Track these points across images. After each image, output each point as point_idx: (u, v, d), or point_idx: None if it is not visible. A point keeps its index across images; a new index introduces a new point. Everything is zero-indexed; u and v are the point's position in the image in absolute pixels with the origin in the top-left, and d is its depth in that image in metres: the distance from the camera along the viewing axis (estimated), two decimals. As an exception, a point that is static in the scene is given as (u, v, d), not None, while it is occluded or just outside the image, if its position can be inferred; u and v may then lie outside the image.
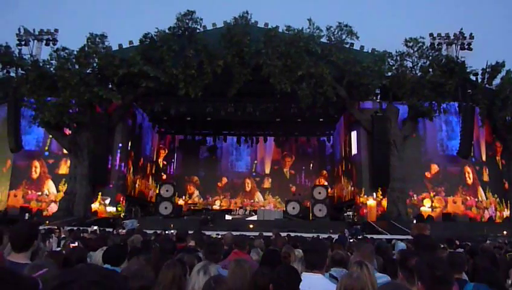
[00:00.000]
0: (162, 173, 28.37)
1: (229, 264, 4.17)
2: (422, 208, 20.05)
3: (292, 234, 11.24)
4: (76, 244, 5.96)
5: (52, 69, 19.38)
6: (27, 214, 17.79)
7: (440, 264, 2.18)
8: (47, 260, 2.83)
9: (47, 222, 15.34)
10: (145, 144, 25.44)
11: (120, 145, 21.12)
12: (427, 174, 20.65)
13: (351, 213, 20.85)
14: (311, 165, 29.27)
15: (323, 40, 19.59)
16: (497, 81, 20.33)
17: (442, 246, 5.97)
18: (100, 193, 20.13)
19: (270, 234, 10.83)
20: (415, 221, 14.31)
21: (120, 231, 12.06)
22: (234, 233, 7.34)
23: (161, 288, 2.66)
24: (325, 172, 28.69)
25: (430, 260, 2.23)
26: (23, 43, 20.76)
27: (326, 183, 26.48)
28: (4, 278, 1.22)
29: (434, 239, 3.38)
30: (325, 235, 11.79)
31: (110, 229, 13.33)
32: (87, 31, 19.52)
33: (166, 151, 29.30)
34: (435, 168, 20.80)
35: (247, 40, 18.89)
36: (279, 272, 2.66)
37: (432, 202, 20.25)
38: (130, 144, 22.26)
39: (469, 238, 11.25)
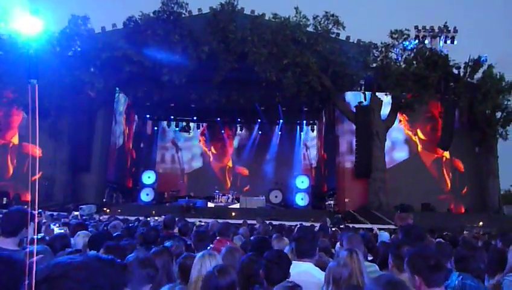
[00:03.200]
0: (144, 159, 28.10)
1: (214, 251, 4.16)
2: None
3: (274, 222, 11.30)
4: (56, 226, 5.84)
5: (31, 50, 18.79)
6: (5, 199, 17.41)
7: (431, 253, 2.21)
8: (42, 246, 2.77)
9: (25, 207, 15.02)
10: (128, 129, 25.09)
11: (102, 130, 20.77)
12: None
13: (332, 202, 21.11)
14: (295, 153, 29.36)
15: (310, 29, 19.53)
16: (479, 75, 20.66)
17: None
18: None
19: (253, 222, 10.89)
20: (399, 211, 14.59)
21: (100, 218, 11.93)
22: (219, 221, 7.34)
23: None
24: (308, 161, 28.85)
25: (421, 251, 2.26)
26: (1, 23, 20.02)
27: (309, 173, 26.69)
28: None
29: (422, 229, 3.43)
30: (307, 224, 11.89)
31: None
32: (69, 13, 18.99)
33: (149, 137, 28.99)
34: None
35: (233, 27, 18.68)
36: (268, 256, 2.65)
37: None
38: (112, 130, 21.91)
39: (447, 229, 11.52)
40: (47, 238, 4.11)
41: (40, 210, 11.91)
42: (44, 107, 18.37)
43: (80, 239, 4.50)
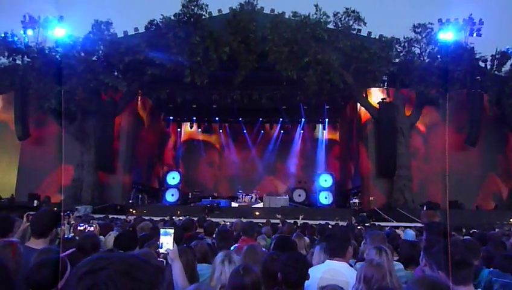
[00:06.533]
0: (169, 161, 28.46)
1: (238, 251, 4.19)
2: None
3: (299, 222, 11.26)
4: (83, 227, 5.98)
5: (57, 56, 19.36)
6: (36, 201, 17.93)
7: (456, 248, 2.16)
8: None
9: (55, 209, 15.45)
10: (151, 131, 25.44)
11: (126, 132, 21.17)
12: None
13: (357, 200, 20.88)
14: (318, 152, 29.17)
15: (330, 26, 19.33)
16: (506, 67, 20.03)
17: (452, 233, 5.94)
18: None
19: (277, 221, 10.89)
20: (424, 208, 14.28)
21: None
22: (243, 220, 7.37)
23: None
24: (331, 159, 28.61)
25: (445, 247, 2.20)
26: (28, 30, 20.67)
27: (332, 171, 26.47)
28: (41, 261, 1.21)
29: (445, 226, 3.36)
30: (332, 223, 11.81)
31: (120, 216, 13.44)
32: (92, 18, 19.43)
33: (173, 139, 29.34)
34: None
35: (253, 27, 18.70)
36: (286, 259, 2.65)
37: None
38: (136, 132, 22.28)
39: (476, 226, 11.21)
40: (77, 238, 4.22)
41: (68, 212, 12.24)
42: (71, 111, 18.90)
43: (110, 239, 4.64)
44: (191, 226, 6.16)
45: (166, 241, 2.51)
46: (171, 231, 2.57)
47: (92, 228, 5.05)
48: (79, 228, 6.00)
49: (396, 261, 3.74)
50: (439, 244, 2.29)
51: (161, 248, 2.52)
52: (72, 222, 8.20)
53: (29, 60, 19.62)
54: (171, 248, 2.50)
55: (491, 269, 2.89)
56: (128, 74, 19.56)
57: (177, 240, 4.79)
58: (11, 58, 19.75)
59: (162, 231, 2.59)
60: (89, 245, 3.32)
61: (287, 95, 21.98)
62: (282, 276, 2.58)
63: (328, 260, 2.93)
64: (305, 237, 5.25)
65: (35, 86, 18.81)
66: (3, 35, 19.18)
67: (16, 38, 19.44)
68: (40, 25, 21.05)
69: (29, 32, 20.63)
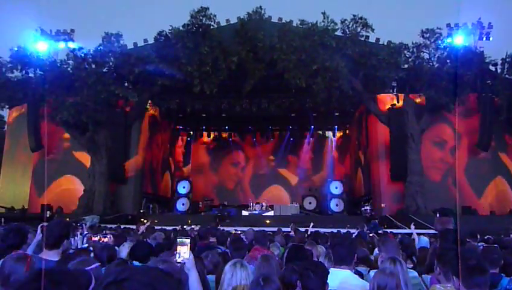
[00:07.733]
0: (179, 170, 28.57)
1: (250, 260, 4.19)
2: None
3: (310, 229, 11.19)
4: (98, 238, 6.04)
5: (69, 69, 19.66)
6: (48, 212, 18.11)
7: (471, 254, 2.14)
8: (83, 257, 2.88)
9: (67, 219, 15.57)
10: (162, 141, 25.60)
11: (137, 142, 21.33)
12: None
13: (368, 207, 20.71)
14: (328, 159, 29.07)
15: (338, 33, 19.35)
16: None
17: (467, 240, 5.87)
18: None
19: (288, 229, 10.85)
20: (438, 214, 14.07)
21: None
22: (254, 229, 7.37)
23: None
24: (342, 166, 28.47)
25: (461, 252, 2.18)
26: (40, 43, 21.04)
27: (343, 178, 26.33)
28: (60, 277, 1.24)
29: (461, 233, 3.32)
30: (344, 230, 11.72)
31: (131, 226, 13.50)
32: (103, 31, 19.73)
33: (182, 148, 29.47)
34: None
35: (261, 36, 18.82)
36: (306, 266, 2.64)
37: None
38: (147, 142, 22.43)
39: (491, 232, 11.04)
40: (91, 249, 4.27)
41: (81, 223, 12.32)
42: (82, 122, 19.13)
43: (124, 249, 4.67)
44: (206, 235, 6.20)
45: (183, 250, 2.56)
46: (188, 240, 2.61)
47: (106, 239, 5.09)
48: (93, 238, 6.06)
49: (411, 268, 3.72)
50: (454, 251, 2.28)
51: (179, 257, 2.56)
52: (86, 232, 8.27)
53: (41, 72, 19.95)
54: (188, 257, 2.54)
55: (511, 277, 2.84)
56: (138, 85, 19.80)
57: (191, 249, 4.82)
58: (23, 72, 20.10)
59: (179, 240, 2.63)
60: (106, 256, 3.35)
61: (296, 103, 22.01)
62: (302, 282, 2.55)
63: (332, 269, 2.90)
64: (319, 246, 5.23)
65: (48, 98, 19.11)
66: (16, 49, 19.56)
67: (28, 52, 19.79)
68: (52, 38, 21.44)
69: (41, 45, 21.01)
